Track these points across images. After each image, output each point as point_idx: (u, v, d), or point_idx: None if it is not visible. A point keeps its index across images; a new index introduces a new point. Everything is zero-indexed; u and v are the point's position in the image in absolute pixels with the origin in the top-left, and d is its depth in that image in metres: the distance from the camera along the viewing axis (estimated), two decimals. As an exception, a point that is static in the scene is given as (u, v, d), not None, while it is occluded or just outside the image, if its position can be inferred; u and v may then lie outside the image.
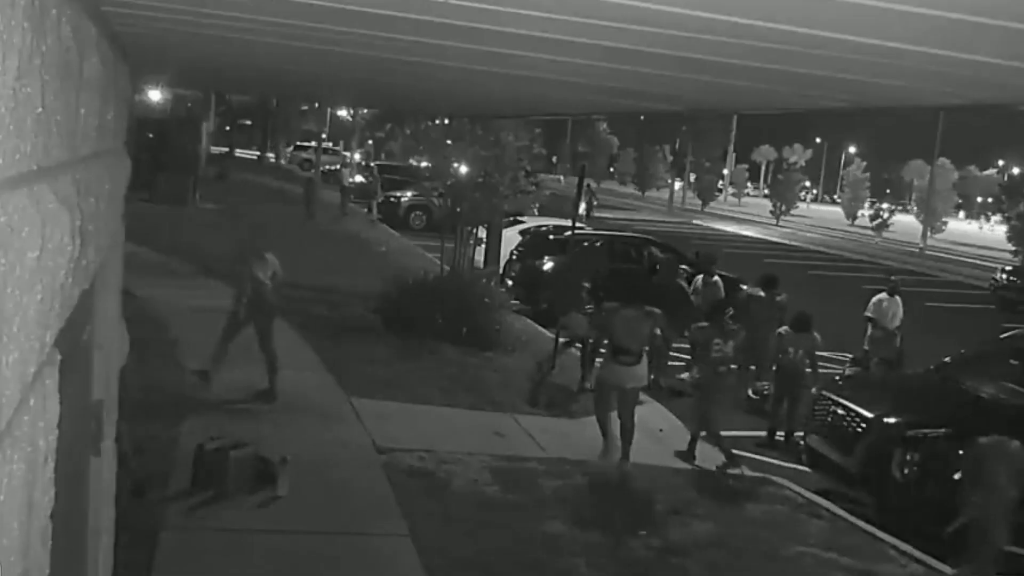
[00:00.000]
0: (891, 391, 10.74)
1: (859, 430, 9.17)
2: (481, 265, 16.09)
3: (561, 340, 12.17)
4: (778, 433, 11.08)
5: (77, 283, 2.24)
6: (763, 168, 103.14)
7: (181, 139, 28.56)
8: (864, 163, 69.31)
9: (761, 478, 9.40)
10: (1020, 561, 7.45)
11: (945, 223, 56.49)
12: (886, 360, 13.07)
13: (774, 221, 57.42)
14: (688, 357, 12.21)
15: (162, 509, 6.77)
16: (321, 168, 38.54)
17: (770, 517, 8.28)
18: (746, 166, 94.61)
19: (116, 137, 3.73)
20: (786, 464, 10.25)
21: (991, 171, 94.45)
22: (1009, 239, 37.34)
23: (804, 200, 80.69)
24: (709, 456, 9.87)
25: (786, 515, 8.40)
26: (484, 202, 14.68)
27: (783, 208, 58.43)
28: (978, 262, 41.05)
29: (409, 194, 29.92)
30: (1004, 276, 28.03)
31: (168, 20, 3.62)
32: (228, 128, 55.90)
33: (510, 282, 17.01)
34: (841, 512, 8.66)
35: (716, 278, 14.34)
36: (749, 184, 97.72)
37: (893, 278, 14.42)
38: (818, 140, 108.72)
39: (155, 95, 32.39)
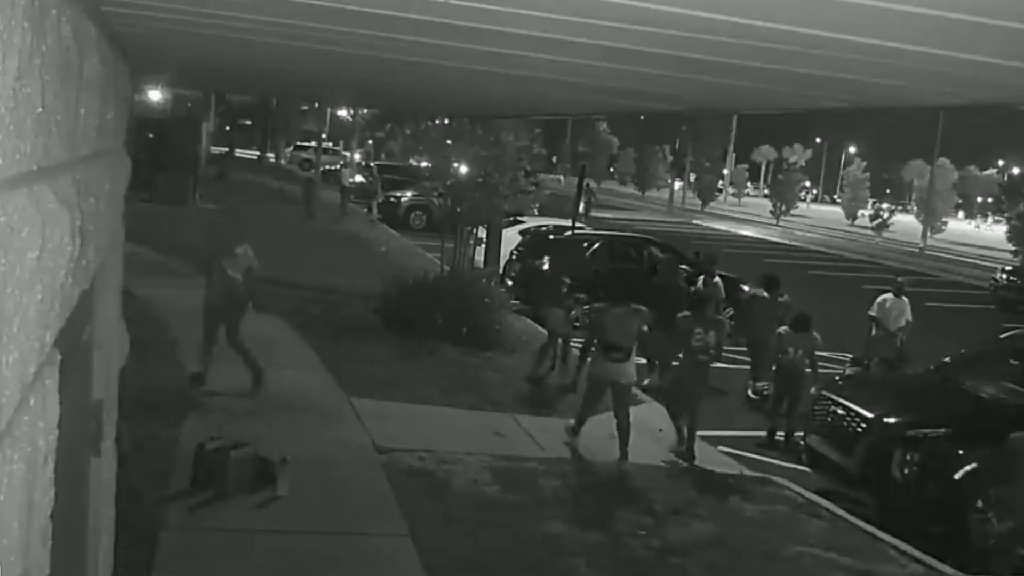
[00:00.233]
0: (891, 391, 10.74)
1: (859, 430, 9.17)
2: (481, 265, 16.10)
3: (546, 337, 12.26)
4: (778, 433, 11.08)
5: (77, 283, 2.24)
6: (763, 168, 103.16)
7: (181, 139, 28.56)
8: (864, 163, 69.32)
9: (761, 478, 9.40)
10: None
11: (945, 223, 56.52)
12: (886, 360, 13.08)
13: (774, 221, 57.44)
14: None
15: (162, 509, 6.78)
16: (321, 168, 38.55)
17: (770, 517, 8.28)
18: (746, 166, 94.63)
19: (116, 137, 3.73)
20: (786, 464, 10.25)
21: (991, 171, 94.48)
22: (1009, 239, 37.35)
23: (804, 200, 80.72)
24: (709, 456, 9.87)
25: (786, 515, 8.40)
26: (484, 202, 14.69)
27: (783, 208, 58.44)
28: (978, 262, 41.06)
29: (409, 194, 29.92)
30: (1004, 276, 28.05)
31: (168, 20, 3.62)
32: (228, 128, 55.89)
33: (510, 282, 17.01)
34: (841, 512, 8.66)
35: (717, 278, 14.35)
36: (749, 184, 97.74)
37: (899, 279, 14.44)
38: (818, 140, 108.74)
39: (155, 95, 32.38)
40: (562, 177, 73.14)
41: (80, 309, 2.56)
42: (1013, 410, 9.20)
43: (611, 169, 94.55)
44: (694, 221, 53.64)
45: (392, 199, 30.66)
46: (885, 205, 63.68)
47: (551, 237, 18.36)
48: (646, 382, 12.27)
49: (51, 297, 1.81)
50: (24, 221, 1.54)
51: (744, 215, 65.40)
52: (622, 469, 9.13)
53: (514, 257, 18.23)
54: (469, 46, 3.76)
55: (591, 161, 63.44)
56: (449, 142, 15.44)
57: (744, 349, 13.49)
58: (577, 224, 19.63)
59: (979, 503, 8.44)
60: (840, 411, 9.48)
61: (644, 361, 10.12)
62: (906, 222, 61.04)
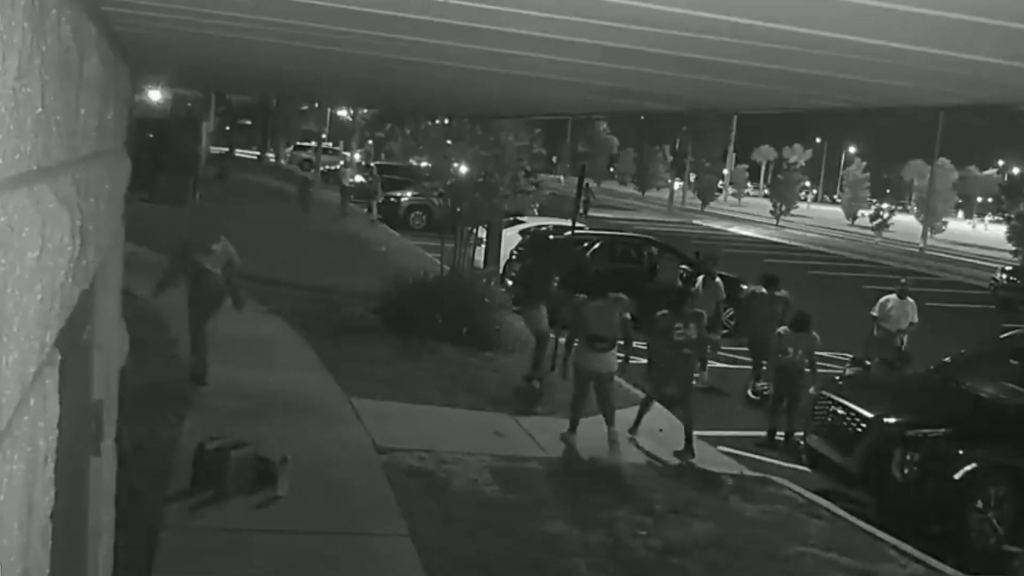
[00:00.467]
0: (891, 391, 10.74)
1: (859, 430, 9.17)
2: (481, 265, 16.09)
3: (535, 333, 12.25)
4: (778, 433, 11.08)
5: (77, 283, 2.24)
6: (763, 168, 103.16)
7: (181, 139, 28.55)
8: (864, 163, 69.33)
9: (761, 478, 9.40)
10: None
11: (945, 223, 56.52)
12: (886, 360, 13.09)
13: (774, 221, 57.43)
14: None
15: (162, 509, 6.77)
16: (321, 168, 38.53)
17: (770, 517, 8.28)
18: (746, 166, 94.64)
19: (116, 137, 3.73)
20: (786, 464, 10.25)
21: (991, 171, 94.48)
22: (1009, 239, 37.34)
23: (804, 200, 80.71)
24: (709, 456, 9.87)
25: (786, 515, 8.39)
26: (484, 202, 14.68)
27: (783, 208, 58.42)
28: (978, 262, 41.06)
29: (409, 194, 29.91)
30: (1004, 276, 28.04)
31: (168, 20, 3.62)
32: (228, 128, 55.90)
33: (510, 282, 17.01)
34: (841, 512, 8.66)
35: (717, 279, 14.34)
36: (749, 184, 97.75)
37: (903, 280, 14.43)
38: (818, 140, 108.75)
39: (155, 95, 32.37)
40: (562, 177, 73.13)
41: (80, 309, 2.56)
42: (1013, 410, 9.20)
43: (611, 169, 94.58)
44: (694, 221, 53.64)
45: (392, 199, 30.66)
46: (885, 205, 63.64)
47: (551, 237, 18.35)
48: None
49: (51, 297, 1.81)
50: (24, 221, 1.54)
51: (744, 215, 65.40)
52: (622, 469, 9.13)
53: (514, 257, 18.22)
54: (469, 46, 3.76)
55: (591, 161, 63.46)
56: (449, 142, 15.44)
57: (745, 349, 13.49)
58: (577, 224, 19.60)
59: (979, 503, 8.45)
60: (840, 411, 9.48)
61: (622, 356, 10.17)
62: (906, 222, 61.02)
